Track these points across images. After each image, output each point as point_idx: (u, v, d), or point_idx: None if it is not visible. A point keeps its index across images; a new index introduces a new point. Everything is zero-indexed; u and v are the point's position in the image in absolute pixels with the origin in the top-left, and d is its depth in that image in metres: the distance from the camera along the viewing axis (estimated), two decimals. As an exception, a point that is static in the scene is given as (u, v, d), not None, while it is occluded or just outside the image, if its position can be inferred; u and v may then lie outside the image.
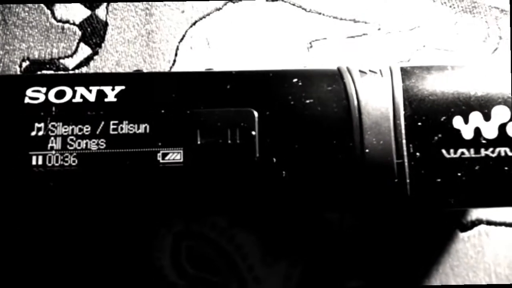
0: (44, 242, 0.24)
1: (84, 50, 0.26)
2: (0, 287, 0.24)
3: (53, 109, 0.20)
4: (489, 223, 0.25)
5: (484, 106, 0.20)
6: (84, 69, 0.25)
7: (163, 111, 0.20)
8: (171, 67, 0.26)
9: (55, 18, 0.26)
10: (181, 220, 0.25)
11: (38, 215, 0.20)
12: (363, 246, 0.25)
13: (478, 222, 0.25)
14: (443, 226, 0.25)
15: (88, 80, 0.20)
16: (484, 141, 0.20)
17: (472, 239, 0.25)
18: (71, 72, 0.25)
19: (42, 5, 0.26)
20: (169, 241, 0.25)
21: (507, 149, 0.19)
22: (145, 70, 0.25)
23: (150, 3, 0.26)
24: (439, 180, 0.19)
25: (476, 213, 0.25)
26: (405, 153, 0.19)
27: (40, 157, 0.19)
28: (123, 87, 0.20)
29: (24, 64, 0.25)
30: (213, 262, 0.25)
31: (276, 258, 0.25)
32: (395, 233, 0.25)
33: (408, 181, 0.19)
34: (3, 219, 0.24)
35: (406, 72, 0.21)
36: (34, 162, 0.19)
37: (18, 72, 0.25)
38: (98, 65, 0.25)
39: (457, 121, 0.20)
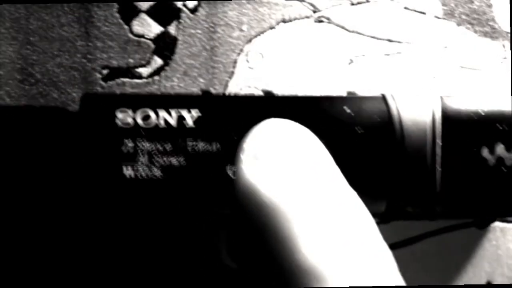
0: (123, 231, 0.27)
1: (157, 61, 0.28)
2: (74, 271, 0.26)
3: (140, 130, 0.22)
4: (503, 220, 0.28)
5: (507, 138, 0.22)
6: (156, 78, 0.28)
7: (233, 132, 0.22)
8: (230, 77, 0.28)
9: (132, 33, 0.28)
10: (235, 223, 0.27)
11: (127, 217, 0.22)
12: (392, 240, 0.27)
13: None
14: (463, 223, 0.28)
15: (169, 101, 0.22)
16: (505, 170, 0.22)
17: (488, 234, 0.28)
18: (155, 87, 0.27)
19: (121, 21, 0.28)
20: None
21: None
22: (208, 80, 0.28)
23: (214, 22, 0.28)
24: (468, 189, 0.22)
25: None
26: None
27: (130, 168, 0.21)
28: (199, 110, 0.22)
29: (104, 72, 0.27)
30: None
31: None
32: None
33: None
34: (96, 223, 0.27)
35: (443, 100, 0.23)
36: (123, 173, 0.21)
37: (99, 78, 0.27)
38: (168, 75, 0.28)
39: (485, 151, 0.22)
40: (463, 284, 0.27)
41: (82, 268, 0.27)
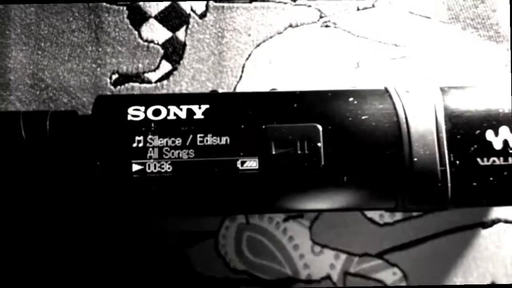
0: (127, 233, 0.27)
1: (165, 66, 0.28)
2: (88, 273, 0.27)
3: (152, 125, 0.22)
4: (506, 221, 0.28)
5: (511, 121, 0.22)
6: (164, 82, 0.28)
7: (242, 126, 0.22)
8: (238, 82, 0.28)
9: (141, 38, 0.28)
10: (242, 214, 0.27)
11: (135, 213, 0.22)
12: (401, 241, 0.28)
13: (498, 220, 0.28)
14: (468, 225, 0.28)
15: (179, 99, 0.22)
16: (511, 151, 0.22)
17: (492, 236, 0.28)
18: (164, 92, 0.28)
19: (130, 26, 0.28)
20: (233, 231, 0.28)
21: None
22: (216, 85, 0.28)
23: (222, 27, 0.28)
24: (474, 184, 0.22)
25: (496, 214, 0.28)
26: (447, 161, 0.21)
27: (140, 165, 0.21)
28: (207, 106, 0.22)
29: (114, 77, 0.28)
30: (270, 250, 0.27)
31: (323, 248, 0.28)
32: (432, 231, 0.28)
33: (449, 185, 0.21)
34: (106, 219, 0.27)
35: (444, 92, 0.23)
36: (134, 169, 0.21)
37: (108, 83, 0.28)
38: (177, 79, 0.28)
39: (489, 134, 0.22)
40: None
41: (82, 266, 0.27)
